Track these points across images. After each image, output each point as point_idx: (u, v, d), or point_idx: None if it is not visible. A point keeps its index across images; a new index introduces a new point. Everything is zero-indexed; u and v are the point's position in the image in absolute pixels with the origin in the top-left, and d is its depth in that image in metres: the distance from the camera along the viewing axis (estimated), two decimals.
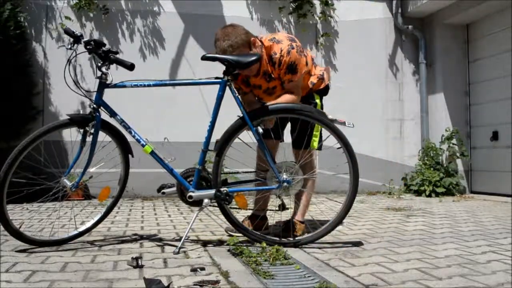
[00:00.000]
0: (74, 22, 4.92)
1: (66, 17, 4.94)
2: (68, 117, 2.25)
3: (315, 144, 2.65)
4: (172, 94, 4.95)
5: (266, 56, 2.48)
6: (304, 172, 2.51)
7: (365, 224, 3.13)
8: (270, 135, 2.53)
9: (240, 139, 2.40)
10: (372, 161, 5.56)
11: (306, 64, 2.54)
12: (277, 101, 2.46)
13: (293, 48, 2.45)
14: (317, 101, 2.69)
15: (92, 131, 2.30)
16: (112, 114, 2.37)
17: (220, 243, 2.43)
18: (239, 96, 2.36)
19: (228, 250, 2.20)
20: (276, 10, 5.53)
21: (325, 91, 2.74)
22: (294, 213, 2.69)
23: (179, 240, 2.35)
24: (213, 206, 2.36)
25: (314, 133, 2.63)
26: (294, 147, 2.69)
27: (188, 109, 4.97)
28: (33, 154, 2.24)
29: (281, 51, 2.44)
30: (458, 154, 5.58)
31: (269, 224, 2.74)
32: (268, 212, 2.75)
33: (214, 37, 2.43)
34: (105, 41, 4.89)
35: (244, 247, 2.16)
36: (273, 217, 2.79)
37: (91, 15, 5.03)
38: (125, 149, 2.48)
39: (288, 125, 2.79)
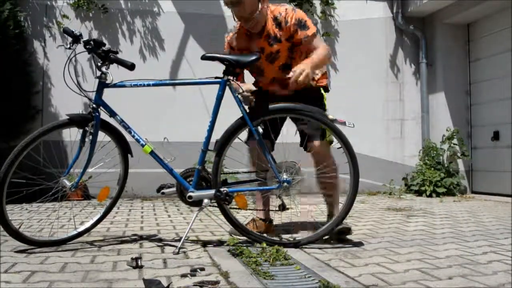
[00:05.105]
0: (73, 21, 4.91)
1: (64, 16, 4.92)
2: (68, 117, 2.24)
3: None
4: (172, 94, 4.95)
5: (272, 17, 2.48)
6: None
7: (365, 224, 3.13)
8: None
9: (240, 139, 2.39)
10: (372, 161, 5.54)
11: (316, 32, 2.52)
12: (311, 58, 2.37)
13: (298, 10, 2.49)
14: (323, 92, 2.66)
15: (92, 131, 2.29)
16: (112, 114, 2.37)
17: (220, 243, 2.42)
18: (239, 96, 2.35)
19: (228, 251, 2.19)
20: None
21: (326, 88, 2.70)
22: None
23: (179, 240, 2.35)
24: (213, 206, 2.35)
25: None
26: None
27: (188, 109, 4.97)
28: (32, 154, 2.24)
29: (286, 9, 2.47)
30: (459, 154, 5.58)
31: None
32: (269, 212, 2.74)
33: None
34: (104, 41, 4.88)
35: (244, 248, 2.15)
36: (273, 218, 2.78)
37: (90, 14, 5.02)
38: (125, 149, 2.47)
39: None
